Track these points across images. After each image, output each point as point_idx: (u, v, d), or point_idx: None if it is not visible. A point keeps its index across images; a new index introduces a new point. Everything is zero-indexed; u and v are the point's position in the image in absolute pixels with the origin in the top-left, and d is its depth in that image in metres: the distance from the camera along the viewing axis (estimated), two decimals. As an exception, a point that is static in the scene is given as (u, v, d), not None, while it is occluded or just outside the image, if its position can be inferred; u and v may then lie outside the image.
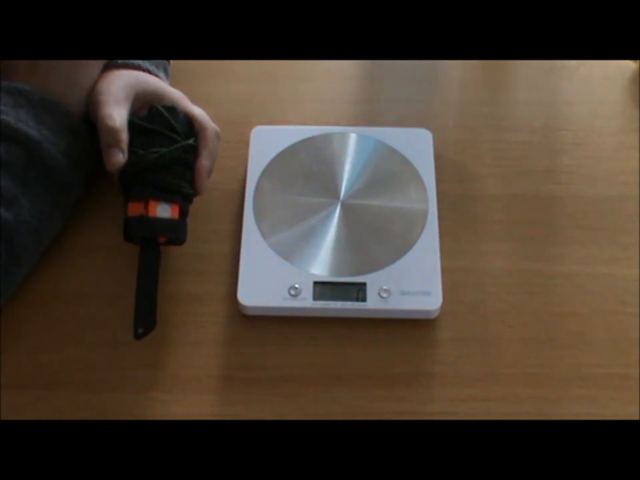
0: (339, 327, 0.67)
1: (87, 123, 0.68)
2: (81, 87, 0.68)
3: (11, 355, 0.65)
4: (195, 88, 0.77)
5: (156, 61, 0.73)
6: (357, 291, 0.67)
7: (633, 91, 0.83)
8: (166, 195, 0.66)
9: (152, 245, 0.67)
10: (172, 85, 0.75)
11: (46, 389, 0.64)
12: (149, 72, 0.72)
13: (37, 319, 0.67)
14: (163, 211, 0.66)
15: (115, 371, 0.65)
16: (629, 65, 0.84)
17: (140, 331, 0.64)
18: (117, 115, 0.66)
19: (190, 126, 0.69)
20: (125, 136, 0.65)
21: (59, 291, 0.69)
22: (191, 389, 0.64)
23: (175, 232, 0.67)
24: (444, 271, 0.68)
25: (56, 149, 0.64)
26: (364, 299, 0.66)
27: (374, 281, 0.67)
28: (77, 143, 0.67)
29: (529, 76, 0.84)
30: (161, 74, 0.73)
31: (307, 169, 0.74)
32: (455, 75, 0.85)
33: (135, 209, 0.66)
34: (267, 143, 0.76)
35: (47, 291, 0.69)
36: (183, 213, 0.68)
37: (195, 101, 0.72)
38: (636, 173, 0.76)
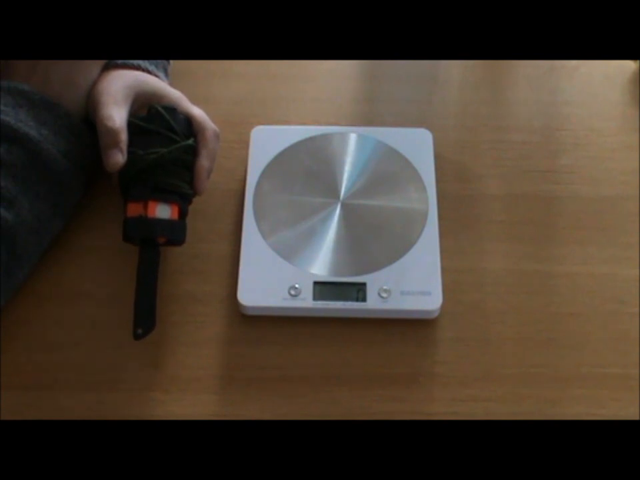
0: (339, 327, 0.67)
1: (86, 124, 0.68)
2: (80, 87, 0.68)
3: (11, 355, 0.65)
4: (194, 88, 0.77)
5: (155, 61, 0.73)
6: (357, 291, 0.67)
7: (633, 91, 0.83)
8: (165, 195, 0.66)
9: (151, 245, 0.67)
10: (172, 85, 0.75)
11: (46, 389, 0.64)
12: (149, 72, 0.72)
13: (36, 319, 0.67)
14: (162, 211, 0.66)
15: (115, 371, 0.65)
16: (629, 65, 0.84)
17: (139, 331, 0.64)
18: (117, 115, 0.66)
19: (189, 126, 0.69)
20: (124, 136, 0.65)
21: (59, 291, 0.69)
22: (190, 389, 0.64)
23: (174, 233, 0.67)
24: (444, 271, 0.68)
25: (56, 149, 0.65)
26: (364, 299, 0.66)
27: (374, 281, 0.67)
28: (78, 144, 0.67)
29: (529, 76, 0.84)
30: (161, 74, 0.73)
31: (307, 169, 0.74)
32: (455, 75, 0.85)
33: (134, 210, 0.66)
34: (266, 143, 0.76)
35: (47, 291, 0.69)
36: (182, 214, 0.68)
37: (194, 101, 0.72)
38: (636, 173, 0.76)
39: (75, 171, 0.67)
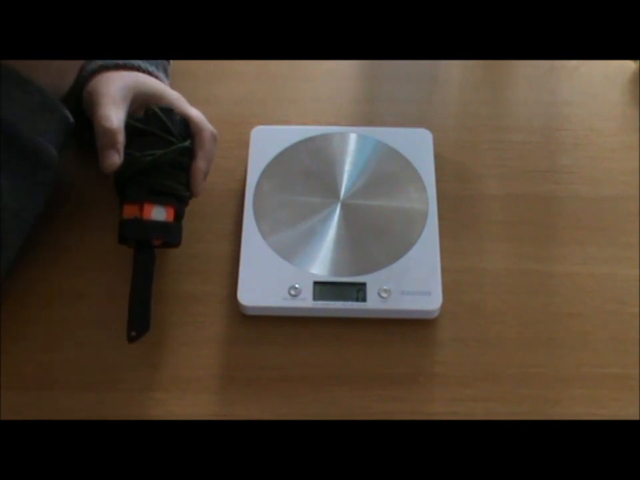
0: (339, 327, 0.67)
1: (83, 119, 0.68)
2: (52, 62, 0.64)
3: (11, 355, 0.65)
4: (194, 88, 0.77)
5: (155, 62, 0.73)
6: (357, 291, 0.67)
7: (633, 91, 0.83)
8: (161, 197, 0.66)
9: (146, 247, 0.67)
10: (172, 85, 0.75)
11: (46, 389, 0.64)
12: (149, 73, 0.72)
13: (36, 319, 0.67)
14: (158, 213, 0.66)
15: (114, 371, 0.65)
16: (629, 65, 0.84)
17: (133, 334, 0.64)
18: (114, 116, 0.65)
19: (186, 128, 0.69)
20: (121, 138, 0.65)
21: (59, 291, 0.69)
22: (190, 389, 0.64)
23: (170, 235, 0.67)
24: (444, 271, 0.68)
25: (31, 128, 0.62)
26: (364, 299, 0.66)
27: (374, 281, 0.67)
28: (53, 121, 0.65)
29: (529, 76, 0.84)
30: (161, 74, 0.73)
31: (307, 169, 0.74)
32: (455, 75, 0.85)
33: (129, 212, 0.66)
34: (266, 143, 0.76)
35: (46, 291, 0.69)
36: (178, 216, 0.68)
37: (194, 101, 0.72)
38: (636, 173, 0.76)
39: (52, 148, 0.64)
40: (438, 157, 0.76)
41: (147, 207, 0.66)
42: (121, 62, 0.70)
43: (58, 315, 0.67)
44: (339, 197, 0.72)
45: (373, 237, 0.70)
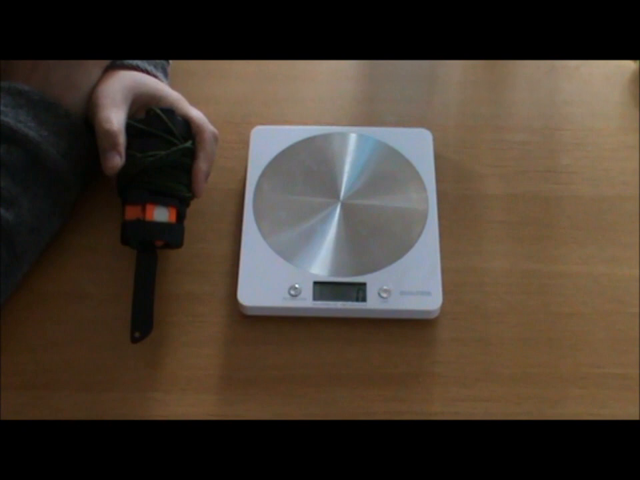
0: (339, 327, 0.67)
1: (87, 124, 0.68)
2: (80, 89, 0.68)
3: (11, 355, 0.65)
4: (194, 88, 0.77)
5: (154, 61, 0.73)
6: (357, 291, 0.67)
7: (633, 91, 0.83)
8: (163, 198, 0.66)
9: (149, 248, 0.67)
10: (171, 85, 0.75)
11: (46, 389, 0.64)
12: (148, 72, 0.71)
13: (36, 319, 0.67)
14: (160, 214, 0.66)
15: (115, 371, 0.65)
16: (629, 65, 0.84)
17: (137, 334, 0.64)
18: (115, 118, 0.65)
19: (187, 129, 0.69)
20: (122, 139, 0.65)
21: (59, 290, 0.69)
22: (190, 388, 0.64)
23: (172, 236, 0.67)
24: (444, 271, 0.68)
25: (56, 150, 0.65)
26: (364, 299, 0.66)
27: (374, 281, 0.67)
28: (77, 144, 0.67)
29: (529, 76, 0.84)
30: (160, 74, 0.73)
31: (306, 169, 0.74)
32: (455, 74, 0.85)
33: (132, 213, 0.66)
34: (267, 142, 0.76)
35: (47, 290, 0.69)
36: (180, 217, 0.68)
37: (194, 101, 0.72)
38: (636, 173, 0.76)
39: (74, 171, 0.67)
40: (438, 157, 0.76)
41: (149, 208, 0.66)
42: (118, 62, 0.70)
43: (58, 315, 0.68)
44: (338, 197, 0.72)
45: (373, 237, 0.70)
